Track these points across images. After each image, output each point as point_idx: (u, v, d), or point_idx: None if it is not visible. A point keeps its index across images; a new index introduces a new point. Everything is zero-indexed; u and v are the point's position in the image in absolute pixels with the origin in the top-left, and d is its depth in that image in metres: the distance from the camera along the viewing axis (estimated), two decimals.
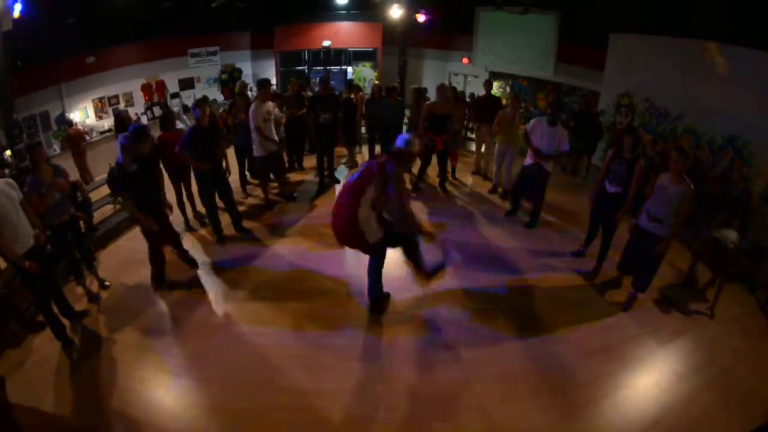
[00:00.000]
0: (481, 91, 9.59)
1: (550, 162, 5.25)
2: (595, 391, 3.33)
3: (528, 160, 5.35)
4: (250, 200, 6.30)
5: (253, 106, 5.38)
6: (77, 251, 4.27)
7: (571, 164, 7.72)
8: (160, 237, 4.28)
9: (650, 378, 3.50)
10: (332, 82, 6.91)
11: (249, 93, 7.56)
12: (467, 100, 9.06)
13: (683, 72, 6.35)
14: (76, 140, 7.08)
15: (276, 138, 5.62)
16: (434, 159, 6.36)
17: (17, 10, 5.07)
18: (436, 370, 3.47)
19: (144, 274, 4.59)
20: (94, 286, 4.39)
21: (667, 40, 6.53)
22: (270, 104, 5.49)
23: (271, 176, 6.24)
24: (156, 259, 4.33)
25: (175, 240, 4.57)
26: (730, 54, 5.65)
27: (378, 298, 4.06)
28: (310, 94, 7.47)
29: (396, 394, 3.25)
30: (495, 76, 10.54)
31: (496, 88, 10.55)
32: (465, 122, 8.49)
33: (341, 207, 3.50)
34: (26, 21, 5.37)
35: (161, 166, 4.87)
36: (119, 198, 5.66)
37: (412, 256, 3.84)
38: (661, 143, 6.47)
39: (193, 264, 4.73)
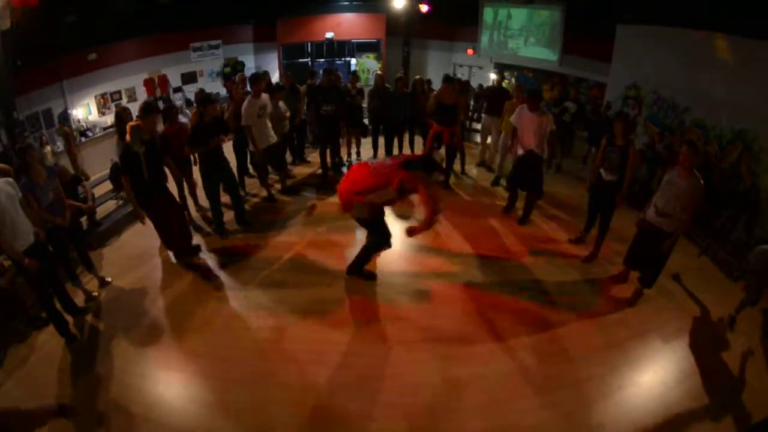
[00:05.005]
0: (486, 82, 9.55)
1: (542, 148, 5.12)
2: (600, 388, 3.30)
3: (519, 151, 5.21)
4: (252, 193, 6.28)
5: (246, 102, 5.26)
6: (76, 250, 4.28)
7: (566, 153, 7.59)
8: (168, 220, 4.36)
9: (656, 376, 3.45)
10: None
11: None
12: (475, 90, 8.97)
13: (691, 64, 6.23)
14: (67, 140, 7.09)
15: (272, 132, 5.57)
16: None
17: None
18: (437, 367, 3.44)
19: (145, 269, 4.63)
20: (95, 284, 4.38)
21: (675, 31, 6.39)
22: (265, 98, 5.41)
23: (270, 170, 6.21)
24: (166, 233, 4.35)
25: (186, 242, 4.61)
26: (740, 46, 5.51)
27: (355, 274, 4.32)
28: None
29: (396, 390, 3.24)
30: (500, 67, 10.41)
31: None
32: (469, 114, 8.42)
33: (352, 185, 3.75)
34: (26, 19, 5.34)
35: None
36: (122, 193, 5.67)
37: (366, 251, 4.17)
38: (668, 137, 6.36)
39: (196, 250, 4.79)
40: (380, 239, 4.07)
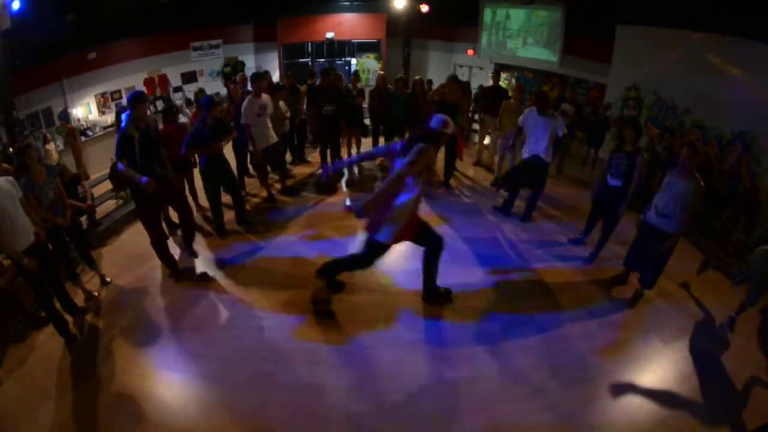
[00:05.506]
0: (486, 83, 9.53)
1: (549, 153, 5.11)
2: (599, 389, 3.29)
3: (525, 153, 5.19)
4: (252, 193, 6.28)
5: (246, 101, 5.25)
6: (76, 249, 4.27)
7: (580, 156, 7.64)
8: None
9: (655, 377, 3.45)
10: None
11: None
12: (474, 91, 8.96)
13: (691, 65, 6.23)
14: (70, 137, 7.12)
15: (272, 132, 5.57)
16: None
17: (15, 5, 5.04)
18: (437, 368, 3.45)
19: (145, 269, 4.62)
20: (95, 284, 4.38)
21: (675, 32, 6.40)
22: (265, 98, 5.41)
23: (270, 169, 6.20)
24: (158, 241, 4.32)
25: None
26: (739, 47, 5.51)
27: (324, 277, 3.87)
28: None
29: (397, 392, 3.24)
30: (500, 67, 10.41)
31: (501, 80, 10.42)
32: (470, 114, 8.42)
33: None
34: (26, 18, 5.34)
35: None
36: (121, 192, 5.67)
37: (352, 261, 3.78)
38: (668, 138, 6.37)
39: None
40: (368, 260, 3.71)
